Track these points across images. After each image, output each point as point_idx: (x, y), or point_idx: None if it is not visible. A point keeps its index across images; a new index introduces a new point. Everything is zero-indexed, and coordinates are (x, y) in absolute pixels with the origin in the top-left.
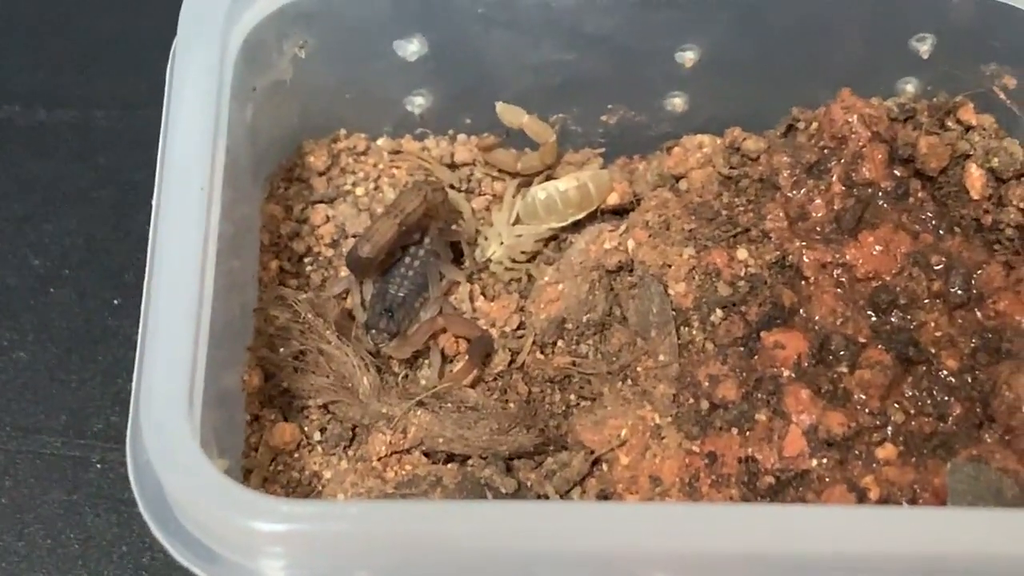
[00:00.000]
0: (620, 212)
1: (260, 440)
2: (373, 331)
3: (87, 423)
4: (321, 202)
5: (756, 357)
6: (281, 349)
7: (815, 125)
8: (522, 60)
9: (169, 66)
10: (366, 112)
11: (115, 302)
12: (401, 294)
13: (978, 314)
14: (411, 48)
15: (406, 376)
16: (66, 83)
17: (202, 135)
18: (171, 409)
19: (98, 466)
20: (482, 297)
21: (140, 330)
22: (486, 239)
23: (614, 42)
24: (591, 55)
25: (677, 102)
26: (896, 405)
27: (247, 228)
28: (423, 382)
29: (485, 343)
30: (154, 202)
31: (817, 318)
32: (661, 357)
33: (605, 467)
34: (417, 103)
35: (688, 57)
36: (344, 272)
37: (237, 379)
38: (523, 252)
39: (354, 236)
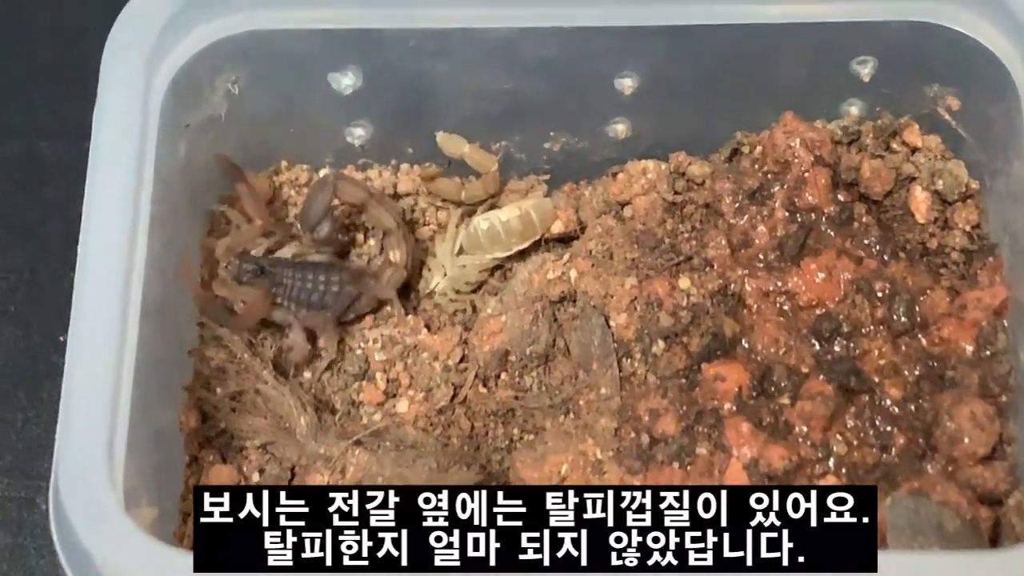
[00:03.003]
0: (565, 240)
1: (198, 482)
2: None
3: (32, 463)
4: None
5: (697, 389)
6: (218, 389)
7: (759, 149)
8: (460, 89)
9: (95, 111)
10: (306, 144)
11: (61, 338)
12: (295, 286)
13: (922, 341)
14: (345, 81)
15: (348, 414)
16: (10, 114)
17: (124, 181)
18: (89, 462)
19: (43, 507)
20: (426, 330)
21: (64, 381)
22: (430, 270)
23: (551, 70)
24: (529, 83)
25: (620, 128)
26: (839, 436)
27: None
28: (364, 420)
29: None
30: (79, 250)
31: (759, 348)
32: (603, 390)
33: None
34: (357, 134)
35: (627, 84)
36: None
37: (175, 419)
38: (467, 283)
39: None
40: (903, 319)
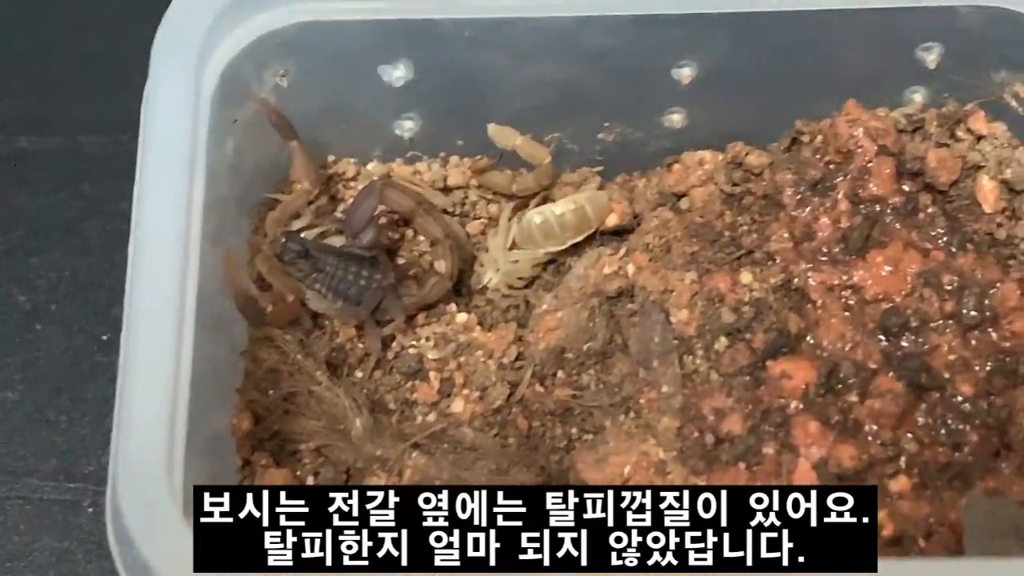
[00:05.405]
0: (620, 233)
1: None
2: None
3: (77, 465)
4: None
5: (762, 387)
6: (271, 391)
7: (820, 139)
8: (513, 80)
9: (143, 109)
10: (354, 137)
11: (104, 337)
12: (336, 275)
13: (993, 335)
14: (396, 73)
15: (401, 413)
16: (49, 109)
17: (177, 182)
18: (149, 473)
19: (90, 511)
20: (479, 327)
21: (117, 389)
22: (482, 265)
23: (609, 60)
24: (585, 74)
25: (676, 118)
26: (909, 435)
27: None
28: (419, 420)
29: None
30: (129, 254)
31: (825, 344)
32: (664, 388)
33: None
34: (406, 127)
35: (685, 74)
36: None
37: (227, 423)
38: (520, 278)
39: None
40: (973, 312)
